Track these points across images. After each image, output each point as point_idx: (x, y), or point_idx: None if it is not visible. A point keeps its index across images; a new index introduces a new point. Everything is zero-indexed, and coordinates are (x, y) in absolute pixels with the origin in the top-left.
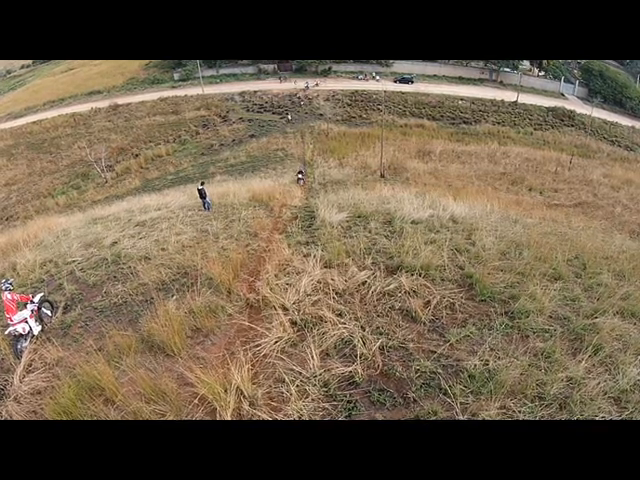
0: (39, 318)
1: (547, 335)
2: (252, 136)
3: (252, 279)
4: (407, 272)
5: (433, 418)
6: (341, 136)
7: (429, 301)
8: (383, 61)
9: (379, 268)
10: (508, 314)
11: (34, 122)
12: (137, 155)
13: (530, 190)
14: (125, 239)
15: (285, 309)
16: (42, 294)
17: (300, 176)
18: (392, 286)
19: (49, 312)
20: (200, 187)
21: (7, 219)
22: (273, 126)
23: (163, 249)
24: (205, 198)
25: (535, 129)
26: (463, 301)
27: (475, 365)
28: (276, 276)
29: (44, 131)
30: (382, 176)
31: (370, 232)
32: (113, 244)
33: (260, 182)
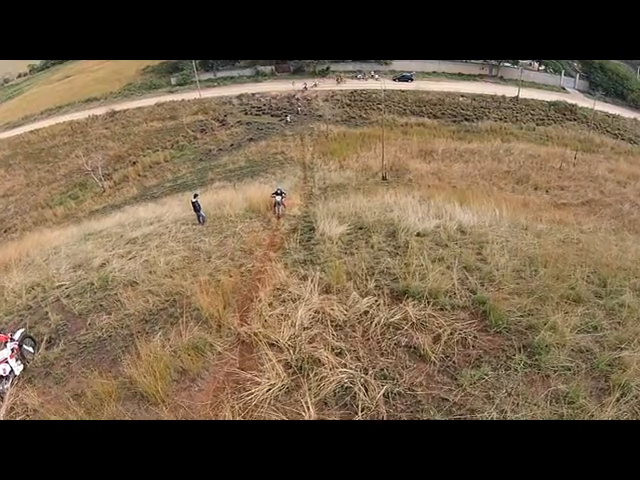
0: (21, 356)
1: (569, 373)
2: (251, 140)
3: (245, 308)
4: (414, 299)
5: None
6: (341, 137)
7: (439, 335)
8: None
9: (383, 292)
10: (526, 349)
11: (31, 131)
12: (135, 162)
13: (536, 189)
14: (114, 259)
15: (279, 348)
16: (22, 330)
17: (278, 199)
18: (397, 317)
19: (31, 349)
20: (194, 200)
21: (5, 231)
22: (272, 129)
23: (152, 272)
24: (199, 211)
25: (537, 124)
26: (476, 333)
27: (491, 416)
28: (270, 305)
29: (41, 140)
30: (384, 178)
31: (373, 247)
32: (101, 266)
33: (259, 189)
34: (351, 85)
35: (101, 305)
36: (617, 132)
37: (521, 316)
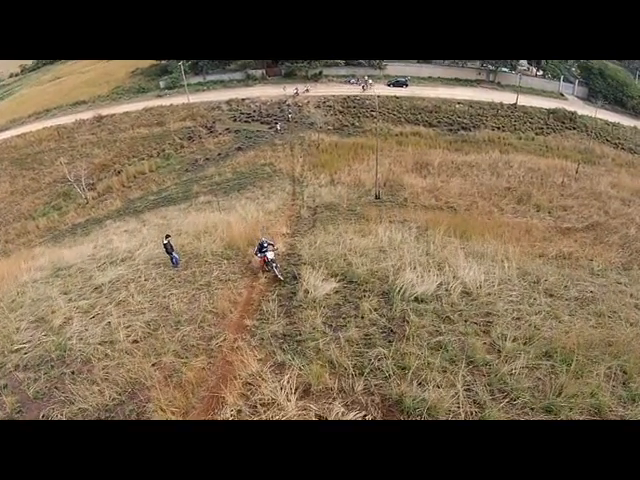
0: None
1: None
2: (239, 149)
3: (209, 415)
4: (409, 416)
5: None
6: (333, 147)
7: None
8: (376, 63)
9: (373, 402)
10: None
11: (19, 135)
12: (119, 172)
13: (538, 210)
14: (76, 317)
15: None
16: None
17: (270, 256)
18: None
19: None
20: (165, 242)
21: None
22: (261, 137)
23: (112, 342)
24: (172, 253)
25: (537, 134)
26: None
27: None
28: (239, 412)
29: (28, 145)
30: (377, 197)
31: (363, 318)
32: (61, 326)
33: (244, 208)
34: (375, 90)
35: (56, 388)
36: (617, 141)
37: None
